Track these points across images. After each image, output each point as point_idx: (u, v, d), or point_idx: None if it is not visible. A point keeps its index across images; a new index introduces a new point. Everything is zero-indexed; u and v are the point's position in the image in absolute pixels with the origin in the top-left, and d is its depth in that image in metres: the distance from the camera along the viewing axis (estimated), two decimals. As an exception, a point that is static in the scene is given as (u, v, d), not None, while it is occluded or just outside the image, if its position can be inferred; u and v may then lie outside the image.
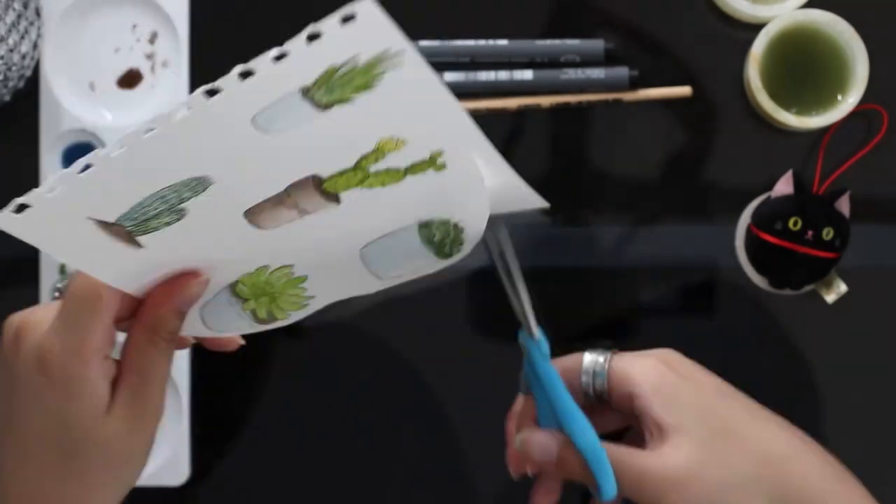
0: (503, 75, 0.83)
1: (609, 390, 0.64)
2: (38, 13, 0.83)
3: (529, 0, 0.84)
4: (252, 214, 0.57)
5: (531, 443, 0.62)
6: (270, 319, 0.61)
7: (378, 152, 0.57)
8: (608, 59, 0.83)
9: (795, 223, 0.80)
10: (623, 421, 0.66)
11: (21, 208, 0.51)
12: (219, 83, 0.51)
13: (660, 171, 0.83)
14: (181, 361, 0.83)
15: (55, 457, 0.55)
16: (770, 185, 0.81)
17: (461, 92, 0.83)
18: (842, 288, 0.81)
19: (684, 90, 0.83)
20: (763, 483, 0.59)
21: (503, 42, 0.83)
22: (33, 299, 0.84)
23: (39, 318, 0.56)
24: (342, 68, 0.56)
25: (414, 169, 0.58)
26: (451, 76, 0.83)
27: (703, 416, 0.60)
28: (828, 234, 0.80)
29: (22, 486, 0.56)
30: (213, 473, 0.85)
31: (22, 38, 0.81)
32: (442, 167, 0.57)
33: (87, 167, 0.51)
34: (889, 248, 0.84)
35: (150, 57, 0.85)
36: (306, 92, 0.55)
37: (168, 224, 0.54)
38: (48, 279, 0.83)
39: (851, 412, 0.83)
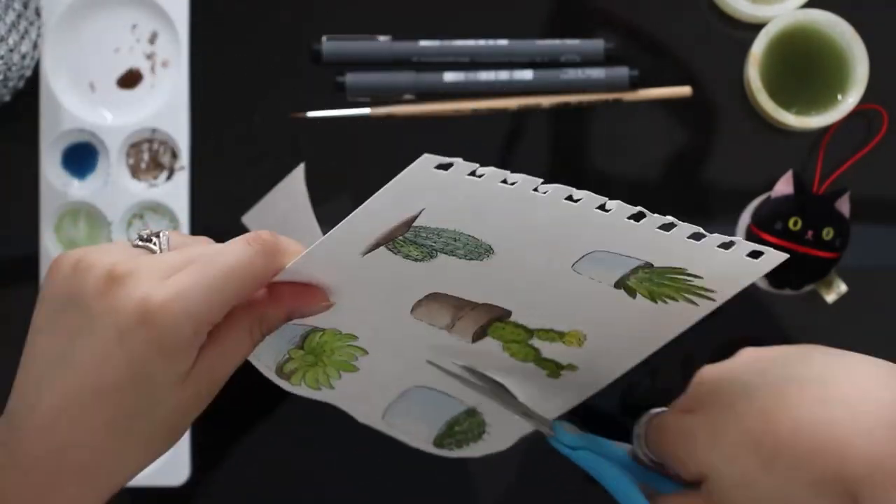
0: (503, 75, 0.83)
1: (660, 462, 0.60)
2: (38, 13, 0.83)
3: (529, 0, 0.84)
4: (429, 298, 0.58)
5: None
6: (292, 380, 0.61)
7: (554, 336, 0.59)
8: (608, 59, 0.83)
9: (795, 223, 0.80)
10: None
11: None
12: (608, 203, 0.53)
13: (660, 171, 0.83)
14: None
15: (126, 416, 0.51)
16: (770, 185, 0.81)
17: (461, 92, 0.83)
18: (842, 288, 0.81)
19: (684, 90, 0.83)
20: (799, 475, 0.53)
21: (503, 42, 0.83)
22: (33, 300, 0.83)
23: (143, 267, 0.51)
24: (690, 278, 0.57)
25: (544, 363, 0.61)
26: (451, 76, 0.83)
27: (715, 448, 0.55)
28: (828, 234, 0.80)
29: (71, 440, 0.51)
30: (213, 473, 0.84)
31: (22, 37, 0.81)
32: (557, 376, 0.60)
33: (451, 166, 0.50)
34: (889, 248, 0.84)
35: (150, 57, 0.85)
36: (636, 269, 0.56)
37: (415, 259, 0.55)
38: (48, 279, 0.83)
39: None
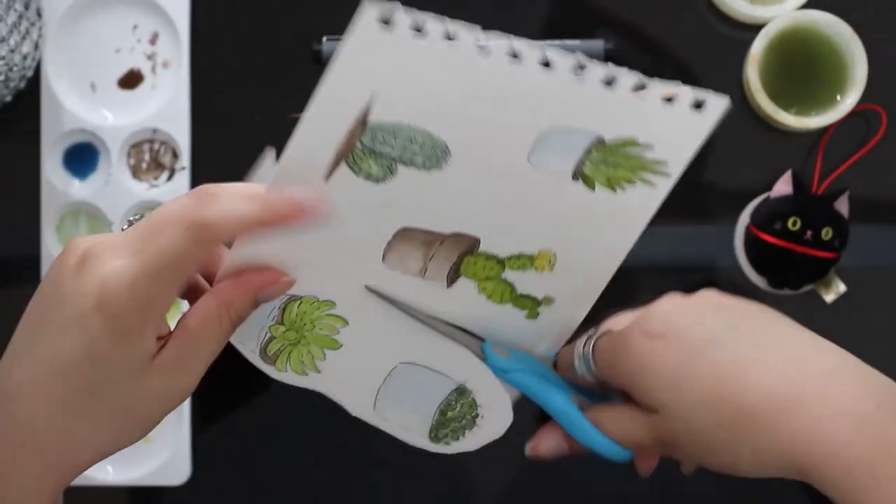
0: (503, 76, 0.83)
1: (602, 378, 0.60)
2: (39, 14, 0.83)
3: (529, 1, 0.85)
4: (398, 238, 0.58)
5: (541, 450, 0.61)
6: (275, 362, 0.60)
7: (525, 261, 0.59)
8: (608, 60, 0.83)
9: (794, 223, 0.80)
10: None
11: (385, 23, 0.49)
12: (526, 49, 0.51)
13: (659, 171, 0.83)
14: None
15: (81, 394, 0.53)
16: (769, 186, 0.81)
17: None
18: (841, 288, 0.81)
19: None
20: (753, 438, 0.54)
21: (503, 42, 0.83)
22: (34, 299, 0.84)
23: (108, 249, 0.53)
24: (643, 151, 0.57)
25: (521, 301, 0.60)
26: (451, 76, 0.83)
27: (678, 390, 0.55)
28: (827, 234, 0.80)
29: (31, 411, 0.53)
30: (213, 473, 0.85)
31: (23, 38, 0.81)
32: (535, 315, 0.60)
33: (419, 30, 0.49)
34: (888, 248, 0.84)
35: (150, 57, 0.85)
36: (589, 150, 0.56)
37: (377, 179, 0.54)
38: (49, 279, 0.84)
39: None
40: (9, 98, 0.83)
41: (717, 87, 0.83)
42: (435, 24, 0.49)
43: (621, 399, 0.59)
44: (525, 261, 0.61)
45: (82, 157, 0.85)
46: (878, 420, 0.53)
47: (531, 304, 0.63)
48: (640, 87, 0.54)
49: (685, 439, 0.55)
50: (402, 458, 0.84)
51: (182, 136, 0.84)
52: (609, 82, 0.54)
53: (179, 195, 0.54)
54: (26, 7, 0.81)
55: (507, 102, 0.53)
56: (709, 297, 0.58)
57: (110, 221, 0.84)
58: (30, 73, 0.83)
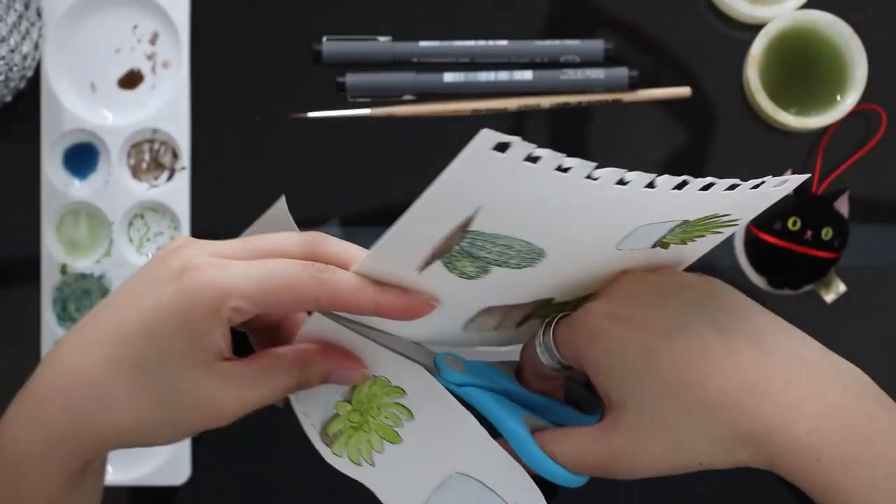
0: (503, 76, 0.83)
1: (564, 363, 0.58)
2: (39, 14, 0.83)
3: (529, 1, 0.85)
4: (480, 313, 0.57)
5: None
6: (331, 445, 0.59)
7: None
8: (608, 60, 0.83)
9: (794, 223, 0.80)
10: None
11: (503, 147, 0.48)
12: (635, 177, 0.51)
13: (659, 171, 0.82)
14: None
15: (129, 364, 0.52)
16: (769, 186, 0.81)
17: (461, 93, 0.83)
18: (840, 288, 0.82)
19: (683, 91, 0.83)
20: (716, 436, 0.53)
21: (503, 43, 0.83)
22: (34, 300, 0.84)
23: (210, 244, 0.53)
24: (720, 217, 0.56)
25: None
26: (451, 77, 0.83)
27: (641, 374, 0.54)
28: (827, 234, 0.80)
29: (75, 363, 0.53)
30: (213, 473, 0.85)
31: (23, 38, 0.81)
32: None
33: (532, 158, 0.48)
34: (888, 248, 0.84)
35: (150, 57, 0.85)
36: (673, 229, 0.55)
37: (470, 276, 0.54)
38: (49, 280, 0.84)
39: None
40: (9, 98, 0.83)
41: (717, 87, 0.84)
42: (547, 152, 0.49)
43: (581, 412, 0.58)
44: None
45: (82, 157, 0.85)
46: (845, 405, 0.52)
47: None
48: (735, 187, 0.54)
49: (649, 437, 0.54)
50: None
51: (182, 136, 0.84)
52: (707, 188, 0.54)
53: (290, 234, 0.54)
54: (26, 7, 0.81)
55: (608, 209, 0.53)
56: (671, 276, 0.57)
57: (110, 221, 0.84)
58: (30, 73, 0.83)
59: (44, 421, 0.53)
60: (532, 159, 0.48)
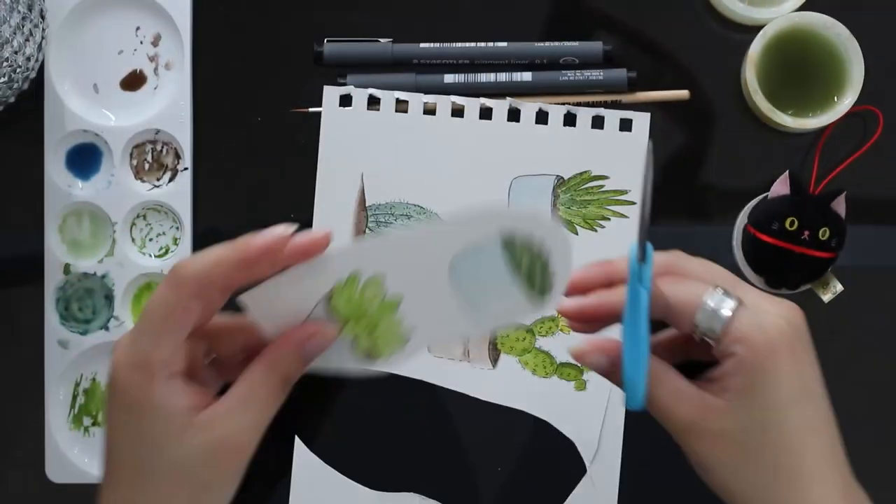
0: (503, 77, 0.83)
1: (718, 342, 0.59)
2: (42, 15, 0.83)
3: (529, 2, 0.85)
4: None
5: (585, 361, 0.59)
6: (373, 356, 0.60)
7: (549, 324, 0.61)
8: (607, 61, 0.84)
9: (792, 223, 0.81)
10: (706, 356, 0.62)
11: None
12: None
13: (657, 171, 0.83)
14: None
15: (130, 470, 0.56)
16: (767, 186, 0.82)
17: (462, 94, 0.83)
18: (838, 287, 0.82)
19: (682, 94, 0.83)
20: (774, 497, 0.57)
21: (503, 44, 0.84)
22: (37, 299, 0.84)
23: (127, 336, 0.58)
24: (600, 183, 0.60)
25: (565, 371, 0.63)
26: (451, 78, 0.83)
27: (771, 412, 0.57)
28: (824, 234, 0.80)
29: (107, 497, 0.57)
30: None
31: (26, 40, 0.81)
32: (582, 386, 0.60)
33: None
34: (885, 248, 0.84)
35: (153, 59, 0.85)
36: (555, 190, 0.59)
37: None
38: (52, 280, 0.84)
39: (847, 411, 0.84)
40: (12, 99, 0.83)
41: (715, 88, 0.84)
42: (387, 95, 0.51)
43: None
44: (549, 323, 0.61)
45: (85, 158, 0.85)
46: None
47: (575, 374, 0.64)
48: (574, 118, 0.55)
49: (735, 451, 0.57)
50: (410, 456, 0.84)
51: (184, 137, 0.84)
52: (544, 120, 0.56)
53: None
54: (30, 9, 0.81)
55: (475, 161, 0.55)
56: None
57: (113, 222, 0.84)
58: (33, 75, 0.83)
59: None
60: (375, 103, 0.50)
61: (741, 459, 0.57)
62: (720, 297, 0.59)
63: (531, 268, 0.56)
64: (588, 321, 0.59)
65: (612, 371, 0.59)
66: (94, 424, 0.85)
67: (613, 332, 0.59)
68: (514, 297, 0.58)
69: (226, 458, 0.56)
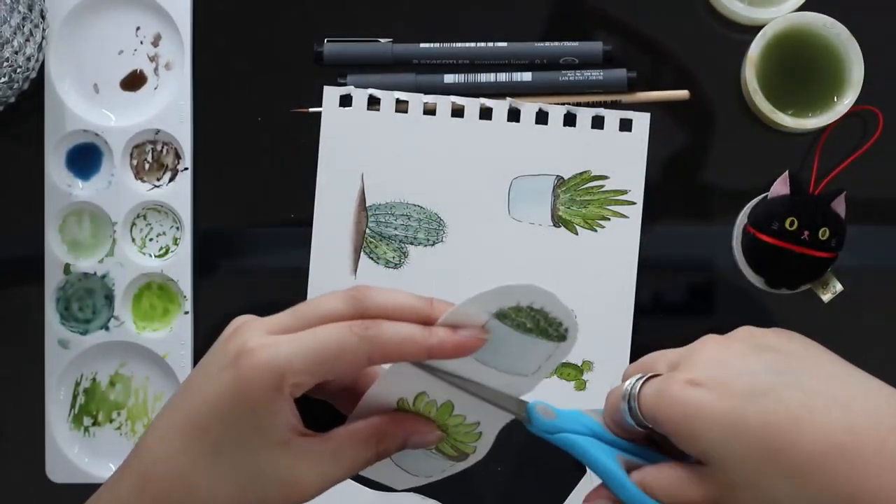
0: (503, 77, 0.83)
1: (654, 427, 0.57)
2: (42, 15, 0.83)
3: (528, 2, 0.85)
4: None
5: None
6: (460, 455, 0.60)
7: None
8: (606, 61, 0.84)
9: (792, 223, 0.81)
10: None
11: None
12: None
13: (657, 171, 0.83)
14: (185, 354, 0.84)
15: (208, 451, 0.54)
16: (767, 186, 0.82)
17: (462, 94, 0.83)
18: (837, 287, 0.82)
19: (682, 94, 0.83)
20: (810, 487, 0.53)
21: (502, 44, 0.84)
22: (37, 299, 0.84)
23: (263, 323, 0.55)
24: (600, 183, 0.63)
25: (565, 370, 0.65)
26: (450, 78, 0.83)
27: (730, 445, 0.54)
28: (824, 234, 0.80)
29: (157, 454, 0.55)
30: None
31: (27, 40, 0.81)
32: (583, 386, 0.60)
33: None
34: (884, 248, 0.84)
35: (153, 59, 0.85)
36: (555, 191, 0.60)
37: (395, 265, 0.58)
38: (52, 280, 0.84)
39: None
40: (12, 99, 0.83)
41: (715, 89, 0.84)
42: (387, 95, 0.51)
43: (670, 458, 0.57)
44: None
45: (85, 158, 0.85)
46: None
47: (575, 373, 0.64)
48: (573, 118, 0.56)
49: (742, 493, 0.54)
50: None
51: (184, 137, 0.84)
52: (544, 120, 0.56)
53: (335, 293, 0.55)
54: (30, 9, 0.81)
55: (477, 162, 0.55)
56: (749, 337, 0.57)
57: (113, 222, 0.84)
58: (33, 75, 0.83)
59: None
60: (375, 103, 0.51)
61: (758, 493, 0.54)
62: (629, 384, 0.57)
63: (537, 323, 0.56)
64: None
65: None
66: (94, 424, 0.85)
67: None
68: (545, 347, 0.57)
69: (293, 494, 0.55)
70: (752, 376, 0.54)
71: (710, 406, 0.54)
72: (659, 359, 0.59)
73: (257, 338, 0.54)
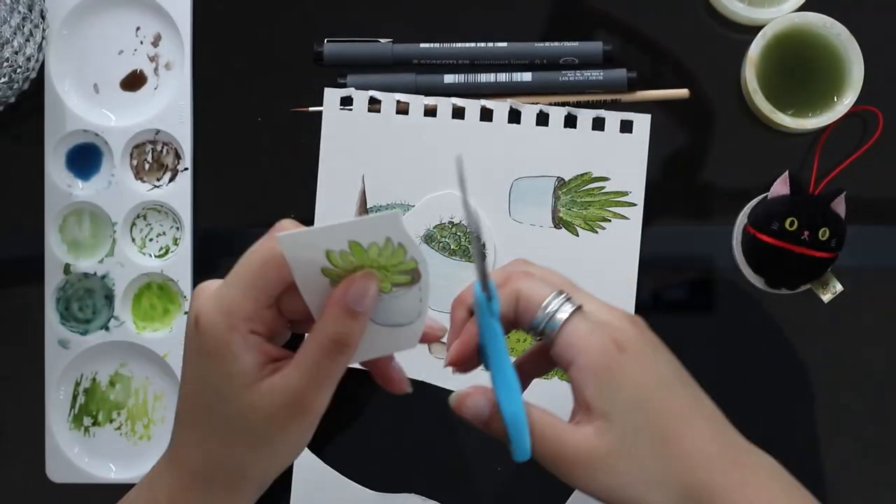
0: (503, 77, 0.83)
1: (552, 345, 0.60)
2: (42, 16, 0.83)
3: (528, 2, 0.85)
4: None
5: (465, 404, 0.60)
6: (410, 274, 0.58)
7: None
8: (606, 61, 0.84)
9: (792, 223, 0.81)
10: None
11: None
12: None
13: (657, 171, 0.83)
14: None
15: (216, 422, 0.58)
16: (767, 186, 0.82)
17: (461, 94, 0.83)
18: (837, 287, 0.82)
19: (682, 92, 0.83)
20: (673, 486, 0.58)
21: (503, 44, 0.84)
22: (37, 299, 0.84)
23: (212, 282, 0.59)
24: (601, 185, 0.65)
25: None
26: (451, 78, 0.83)
27: (634, 409, 0.58)
28: (824, 234, 0.80)
29: (193, 451, 0.59)
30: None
31: (27, 40, 0.81)
32: None
33: None
34: (884, 248, 0.85)
35: (153, 59, 0.85)
36: (556, 192, 0.63)
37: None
38: (52, 280, 0.84)
39: (846, 410, 0.84)
40: (13, 99, 0.83)
41: (715, 89, 0.84)
42: (387, 97, 0.51)
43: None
44: None
45: (85, 158, 0.85)
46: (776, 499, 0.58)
47: None
48: (574, 119, 0.56)
49: (622, 464, 0.58)
50: (409, 455, 0.84)
51: (184, 137, 0.84)
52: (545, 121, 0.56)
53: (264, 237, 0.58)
54: (30, 9, 0.81)
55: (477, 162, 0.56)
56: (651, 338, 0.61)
57: (113, 222, 0.84)
58: (33, 75, 0.83)
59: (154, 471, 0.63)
60: (376, 105, 0.51)
61: (636, 467, 0.58)
62: (561, 300, 0.59)
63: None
64: (462, 360, 0.61)
65: (493, 417, 0.60)
66: (94, 424, 0.85)
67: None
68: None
69: (285, 418, 0.57)
70: (662, 366, 0.60)
71: (632, 376, 0.58)
72: (594, 308, 0.60)
73: (205, 296, 0.58)
